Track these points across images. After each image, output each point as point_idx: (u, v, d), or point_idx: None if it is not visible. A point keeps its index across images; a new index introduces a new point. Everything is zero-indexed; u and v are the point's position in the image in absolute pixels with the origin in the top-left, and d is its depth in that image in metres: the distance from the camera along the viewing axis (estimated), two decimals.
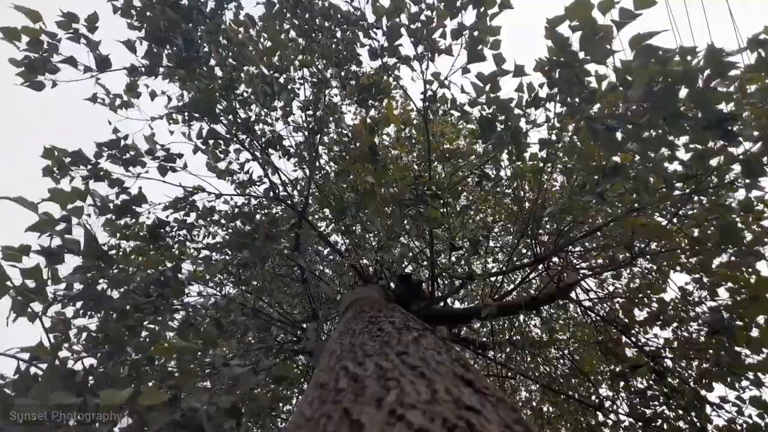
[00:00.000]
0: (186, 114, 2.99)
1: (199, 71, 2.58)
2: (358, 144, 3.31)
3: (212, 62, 2.71)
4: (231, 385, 1.42)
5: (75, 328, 1.79)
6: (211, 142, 3.12)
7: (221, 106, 2.77)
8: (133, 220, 2.42)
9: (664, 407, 2.74)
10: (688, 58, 1.33)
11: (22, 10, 1.91)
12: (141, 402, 1.00)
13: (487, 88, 2.05)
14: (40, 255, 1.49)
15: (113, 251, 2.46)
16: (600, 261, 3.64)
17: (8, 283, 1.36)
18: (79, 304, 1.79)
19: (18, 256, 1.38)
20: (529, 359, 4.44)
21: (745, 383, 2.34)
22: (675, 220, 2.40)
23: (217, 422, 1.20)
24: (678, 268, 2.86)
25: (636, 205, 2.17)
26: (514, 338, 4.13)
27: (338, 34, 3.14)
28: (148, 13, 2.39)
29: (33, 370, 1.30)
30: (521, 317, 4.43)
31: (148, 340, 1.97)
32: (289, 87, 2.95)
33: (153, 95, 2.82)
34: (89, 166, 2.26)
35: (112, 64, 2.38)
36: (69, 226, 1.55)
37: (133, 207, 2.31)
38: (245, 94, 2.83)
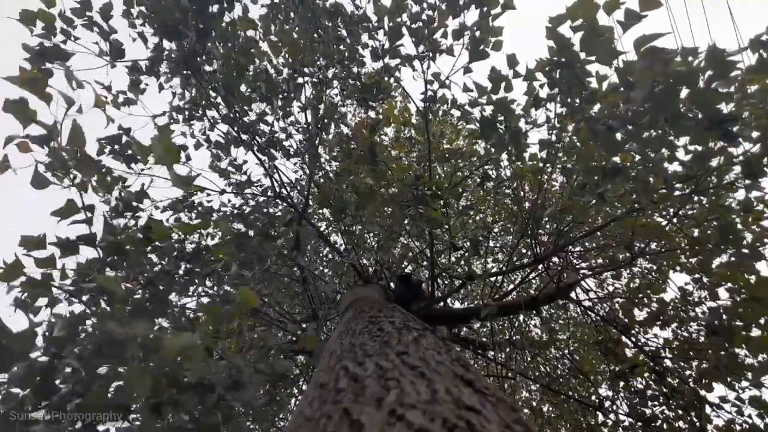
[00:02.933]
0: (186, 113, 2.98)
1: (203, 68, 2.57)
2: (357, 144, 3.31)
3: (221, 59, 2.70)
4: (262, 349, 1.45)
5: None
6: (212, 139, 3.13)
7: (224, 105, 2.77)
8: (134, 219, 2.41)
9: (664, 407, 2.74)
10: (690, 58, 1.33)
11: None
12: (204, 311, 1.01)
13: (490, 87, 2.05)
14: (56, 247, 1.49)
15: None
16: (600, 261, 3.64)
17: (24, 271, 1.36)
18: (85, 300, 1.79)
19: (34, 247, 1.38)
20: (529, 359, 4.44)
21: (744, 383, 2.35)
22: (675, 220, 2.40)
23: (254, 382, 1.24)
24: (678, 268, 2.86)
25: (636, 205, 2.17)
26: (514, 338, 4.13)
27: (340, 35, 3.14)
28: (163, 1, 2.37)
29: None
30: (521, 317, 4.44)
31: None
32: (299, 83, 2.94)
33: (161, 87, 2.81)
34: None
35: (125, 54, 2.38)
36: (91, 216, 1.54)
37: (135, 204, 2.30)
38: (249, 92, 2.83)
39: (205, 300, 2.70)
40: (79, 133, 1.27)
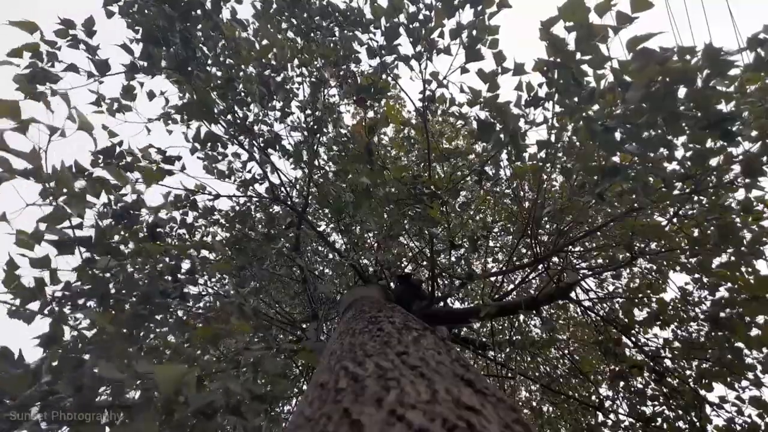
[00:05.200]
0: (184, 114, 2.98)
1: (196, 73, 2.57)
2: (355, 144, 3.31)
3: (209, 62, 2.70)
4: (254, 369, 1.44)
5: (75, 322, 1.79)
6: (208, 144, 3.12)
7: (220, 106, 2.76)
8: (132, 225, 2.41)
9: (664, 407, 2.74)
10: (687, 57, 1.33)
11: (17, 25, 1.92)
12: (199, 333, 1.04)
13: (486, 87, 2.05)
14: (51, 245, 1.48)
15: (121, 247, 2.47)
16: (600, 261, 3.64)
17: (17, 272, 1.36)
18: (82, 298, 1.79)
19: (30, 244, 1.37)
20: (529, 359, 4.44)
21: (744, 383, 2.35)
22: (675, 220, 2.40)
23: (253, 407, 1.24)
24: (678, 268, 2.86)
25: (635, 205, 2.17)
26: (514, 338, 4.13)
27: (336, 33, 3.13)
28: (146, 11, 2.39)
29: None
30: (521, 317, 4.43)
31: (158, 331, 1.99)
32: (287, 87, 2.95)
33: (151, 95, 2.81)
34: (86, 177, 2.26)
35: (111, 68, 2.39)
36: (81, 221, 1.54)
37: (132, 212, 2.30)
38: (243, 94, 2.83)
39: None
40: (66, 177, 1.27)
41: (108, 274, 1.77)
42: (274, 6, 2.89)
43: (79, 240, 1.53)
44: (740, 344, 2.19)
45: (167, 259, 2.15)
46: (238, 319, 1.83)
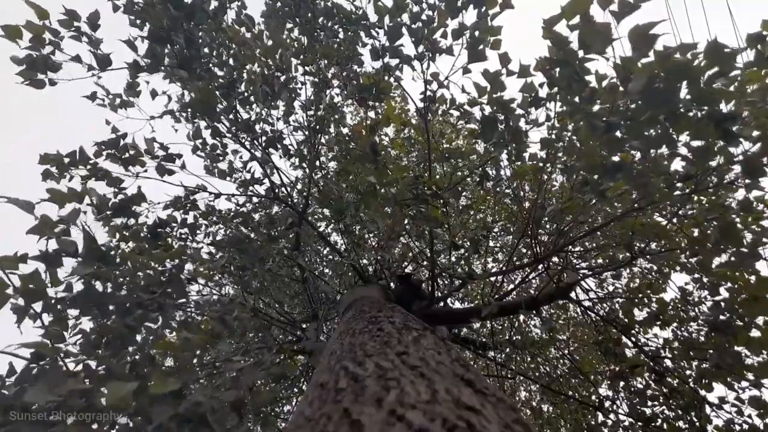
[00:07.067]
0: (188, 112, 2.98)
1: (199, 71, 2.57)
2: (357, 144, 3.31)
3: (213, 62, 2.71)
4: (233, 380, 1.44)
5: (72, 329, 1.79)
6: (209, 142, 3.12)
7: (221, 106, 2.77)
8: (133, 221, 2.40)
9: (664, 407, 2.74)
10: (689, 55, 1.32)
11: (31, 5, 1.91)
12: (153, 390, 1.07)
13: (489, 87, 2.05)
14: (38, 261, 1.47)
15: (113, 252, 2.46)
16: (600, 261, 3.64)
17: (9, 291, 1.36)
18: (78, 306, 1.78)
19: (15, 264, 1.37)
20: (529, 359, 4.44)
21: (744, 383, 2.34)
22: (675, 220, 2.40)
23: (221, 416, 1.23)
24: (678, 268, 2.85)
25: (636, 205, 2.16)
26: (514, 338, 4.13)
27: (340, 34, 3.14)
28: (152, 8, 2.38)
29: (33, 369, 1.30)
30: (521, 317, 4.43)
31: (150, 339, 1.99)
32: (290, 86, 2.95)
33: (154, 94, 2.81)
34: (88, 166, 2.26)
35: (113, 62, 2.38)
36: (68, 228, 1.54)
37: (132, 207, 2.29)
38: (246, 94, 2.83)
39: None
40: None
41: (98, 283, 1.76)
42: (279, 4, 2.90)
43: (65, 250, 1.53)
44: (739, 348, 2.19)
45: (168, 262, 2.15)
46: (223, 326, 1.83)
